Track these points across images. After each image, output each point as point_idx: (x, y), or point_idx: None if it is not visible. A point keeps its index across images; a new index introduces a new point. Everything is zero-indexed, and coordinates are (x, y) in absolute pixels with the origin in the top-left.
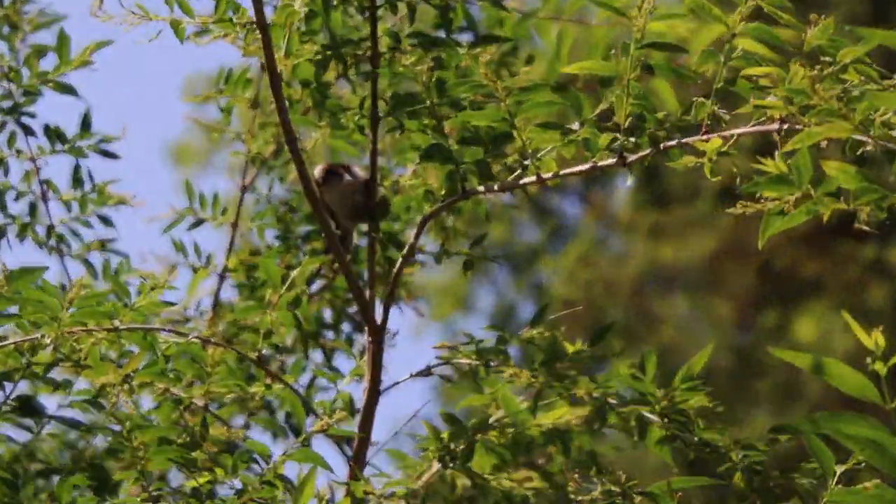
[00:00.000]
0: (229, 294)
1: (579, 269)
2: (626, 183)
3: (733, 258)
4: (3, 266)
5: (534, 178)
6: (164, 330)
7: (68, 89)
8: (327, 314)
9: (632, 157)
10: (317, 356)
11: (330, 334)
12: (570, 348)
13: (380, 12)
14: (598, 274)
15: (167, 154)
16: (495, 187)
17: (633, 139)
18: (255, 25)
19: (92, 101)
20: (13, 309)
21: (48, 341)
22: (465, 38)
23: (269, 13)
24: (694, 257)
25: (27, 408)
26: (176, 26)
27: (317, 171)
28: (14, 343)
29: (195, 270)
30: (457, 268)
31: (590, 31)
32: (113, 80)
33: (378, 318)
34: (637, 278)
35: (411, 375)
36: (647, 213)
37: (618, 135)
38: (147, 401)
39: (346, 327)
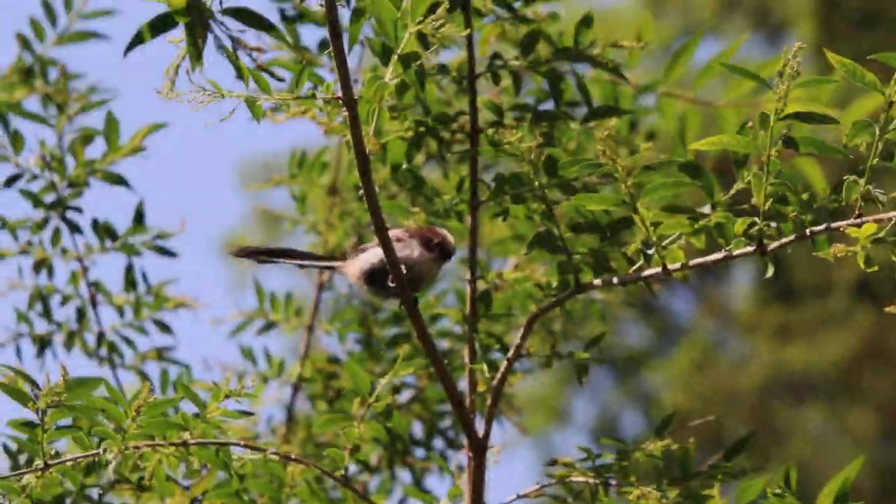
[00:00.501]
0: (303, 405)
1: (693, 374)
2: (767, 275)
3: (875, 361)
4: (64, 372)
5: (658, 269)
6: (239, 445)
7: (119, 180)
8: (416, 429)
9: (772, 245)
10: (404, 476)
11: (419, 451)
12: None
13: (479, 83)
14: (715, 380)
15: (219, 247)
16: (614, 280)
17: (773, 224)
18: (339, 101)
19: (137, 189)
20: (66, 421)
21: (111, 457)
22: (578, 111)
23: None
24: (828, 361)
25: None
26: (252, 104)
27: (447, 236)
28: (72, 460)
29: (265, 380)
30: (551, 375)
31: (717, 111)
32: (153, 165)
33: (479, 431)
34: (761, 385)
35: (518, 496)
36: (771, 310)
37: (756, 219)
38: None
39: (437, 443)
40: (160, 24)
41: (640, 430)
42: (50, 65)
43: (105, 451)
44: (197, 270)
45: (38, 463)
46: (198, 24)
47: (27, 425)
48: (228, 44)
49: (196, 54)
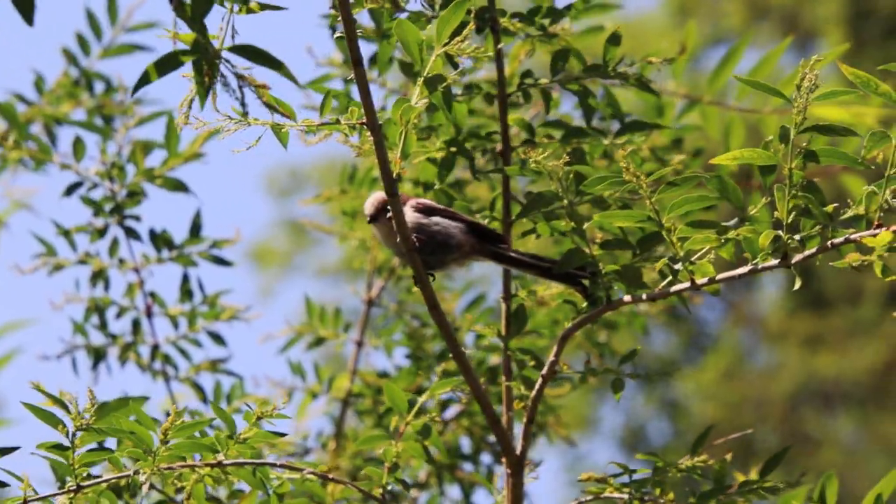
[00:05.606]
0: (353, 420)
1: (722, 384)
2: (795, 287)
3: None
4: (91, 395)
5: (687, 284)
6: (275, 465)
7: (179, 186)
8: (464, 443)
9: (796, 258)
10: (453, 491)
11: (468, 466)
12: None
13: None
14: (744, 390)
15: (246, 255)
16: (643, 297)
17: (797, 237)
18: (364, 126)
19: (172, 201)
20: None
21: (143, 478)
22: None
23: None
24: (858, 369)
25: None
26: (278, 131)
27: (368, 204)
28: (107, 481)
29: (314, 395)
30: (578, 385)
31: (762, 120)
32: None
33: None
34: (791, 394)
35: None
36: (801, 319)
37: (780, 233)
38: None
39: (486, 458)
40: (168, 63)
41: (668, 439)
42: (95, 78)
43: (137, 472)
44: (222, 278)
45: (71, 484)
46: (204, 62)
47: (58, 448)
48: (234, 82)
49: (203, 92)
